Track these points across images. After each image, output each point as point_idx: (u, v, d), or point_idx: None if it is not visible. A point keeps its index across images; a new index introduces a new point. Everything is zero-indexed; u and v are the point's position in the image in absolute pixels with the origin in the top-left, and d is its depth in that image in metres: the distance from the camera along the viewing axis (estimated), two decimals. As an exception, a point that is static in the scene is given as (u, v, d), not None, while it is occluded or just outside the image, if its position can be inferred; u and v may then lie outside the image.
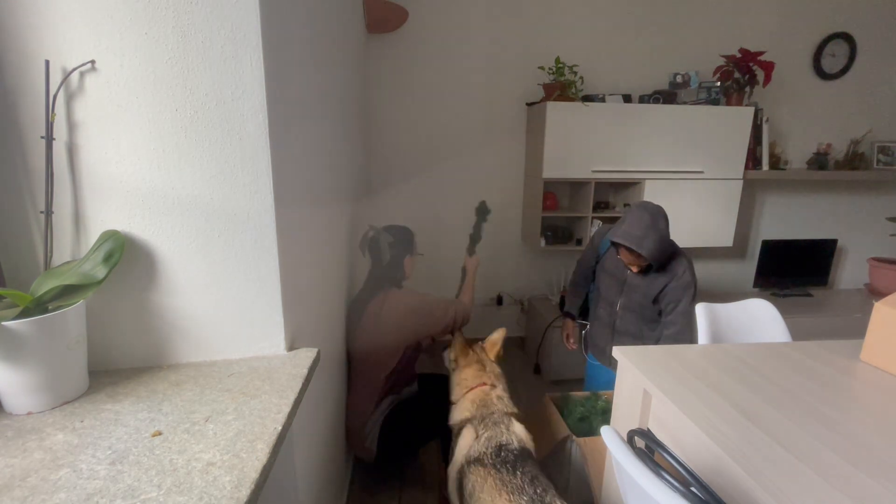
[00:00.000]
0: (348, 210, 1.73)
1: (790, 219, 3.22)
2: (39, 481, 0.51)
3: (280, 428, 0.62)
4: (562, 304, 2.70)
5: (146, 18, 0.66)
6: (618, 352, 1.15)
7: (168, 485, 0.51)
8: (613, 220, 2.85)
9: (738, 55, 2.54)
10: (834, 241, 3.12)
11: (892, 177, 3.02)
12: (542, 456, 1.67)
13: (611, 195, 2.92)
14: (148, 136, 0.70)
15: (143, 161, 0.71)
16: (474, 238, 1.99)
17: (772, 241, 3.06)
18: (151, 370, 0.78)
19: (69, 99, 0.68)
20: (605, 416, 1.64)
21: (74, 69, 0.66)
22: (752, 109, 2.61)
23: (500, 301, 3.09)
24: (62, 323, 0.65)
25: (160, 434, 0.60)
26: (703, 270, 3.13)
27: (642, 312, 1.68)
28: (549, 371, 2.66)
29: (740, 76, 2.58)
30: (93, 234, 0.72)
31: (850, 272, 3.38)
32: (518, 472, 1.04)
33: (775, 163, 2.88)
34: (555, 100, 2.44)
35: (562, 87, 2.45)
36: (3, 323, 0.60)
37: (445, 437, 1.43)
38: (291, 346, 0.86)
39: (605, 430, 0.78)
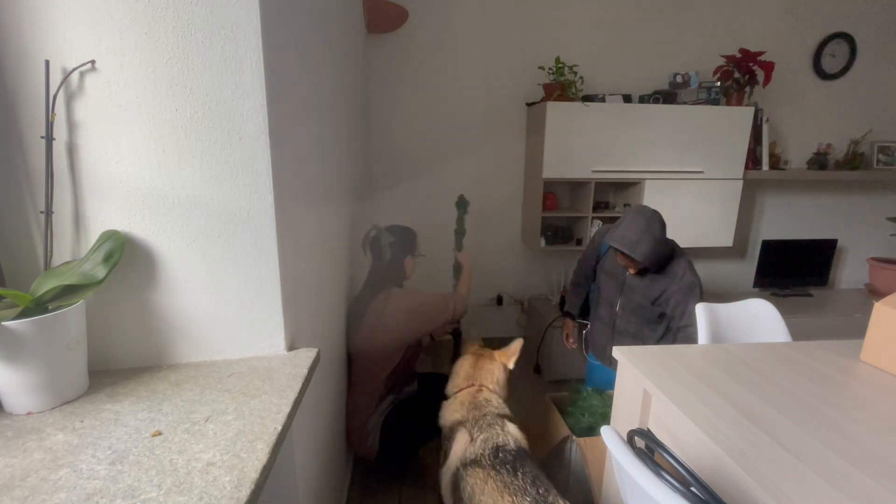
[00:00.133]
0: (348, 210, 1.73)
1: (790, 219, 3.22)
2: (39, 481, 0.51)
3: (280, 428, 0.62)
4: (562, 304, 2.69)
5: (146, 18, 0.66)
6: (618, 352, 1.15)
7: (168, 485, 0.51)
8: (613, 220, 2.85)
9: (738, 55, 2.54)
10: (834, 241, 3.12)
11: (892, 177, 3.02)
12: (542, 456, 1.67)
13: (611, 195, 2.92)
14: (148, 136, 0.70)
15: (143, 161, 0.71)
16: (459, 233, 2.00)
17: (772, 241, 3.06)
18: (151, 370, 0.78)
19: (69, 99, 0.68)
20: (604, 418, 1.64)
21: (74, 69, 0.66)
22: (752, 109, 2.61)
23: (500, 301, 3.08)
24: (62, 323, 0.65)
25: (160, 434, 0.60)
26: (703, 270, 3.12)
27: (641, 313, 1.68)
28: (549, 371, 2.66)
29: (740, 76, 2.58)
30: (93, 234, 0.72)
31: (850, 272, 3.37)
32: (519, 473, 1.03)
33: (775, 163, 2.88)
34: (555, 100, 2.44)
35: (562, 87, 2.45)
36: (3, 323, 0.60)
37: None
38: (291, 346, 0.86)
39: (605, 430, 0.78)
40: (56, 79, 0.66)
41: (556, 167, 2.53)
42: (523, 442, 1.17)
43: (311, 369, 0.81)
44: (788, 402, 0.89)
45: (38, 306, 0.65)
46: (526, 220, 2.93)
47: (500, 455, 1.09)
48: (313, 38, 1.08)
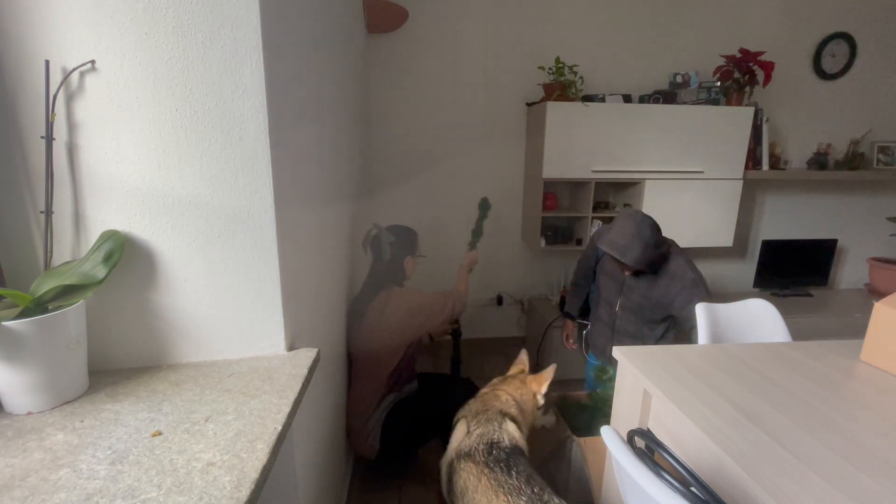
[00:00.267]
0: (349, 210, 1.73)
1: (790, 219, 3.22)
2: (39, 481, 0.51)
3: (280, 428, 0.62)
4: (562, 304, 2.70)
5: (146, 18, 0.66)
6: (618, 352, 1.15)
7: (168, 485, 0.51)
8: (613, 220, 2.86)
9: (738, 55, 2.54)
10: (834, 241, 3.12)
11: (892, 177, 3.02)
12: (543, 456, 1.67)
13: (611, 195, 2.92)
14: (148, 136, 0.70)
15: (143, 161, 0.71)
16: (475, 233, 2.01)
17: (772, 241, 3.06)
18: (151, 370, 0.78)
19: (69, 99, 0.68)
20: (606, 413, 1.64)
21: (74, 69, 0.66)
22: (752, 109, 2.61)
23: (500, 301, 3.08)
24: (62, 323, 0.65)
25: (160, 434, 0.60)
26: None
27: (641, 313, 1.68)
28: (550, 371, 2.66)
29: (740, 76, 2.58)
30: (93, 234, 0.72)
31: (850, 272, 3.37)
32: (513, 472, 1.03)
33: (775, 163, 2.88)
34: (555, 100, 2.44)
35: (562, 87, 2.45)
36: (3, 323, 0.60)
37: (447, 435, 1.43)
38: (291, 346, 0.86)
39: (605, 430, 0.78)
40: (56, 79, 0.66)
41: (556, 167, 2.53)
42: (520, 440, 1.17)
43: (311, 369, 0.81)
44: (788, 402, 0.89)
45: (38, 306, 0.65)
46: (526, 220, 2.93)
47: (494, 452, 1.09)
48: (313, 37, 1.08)
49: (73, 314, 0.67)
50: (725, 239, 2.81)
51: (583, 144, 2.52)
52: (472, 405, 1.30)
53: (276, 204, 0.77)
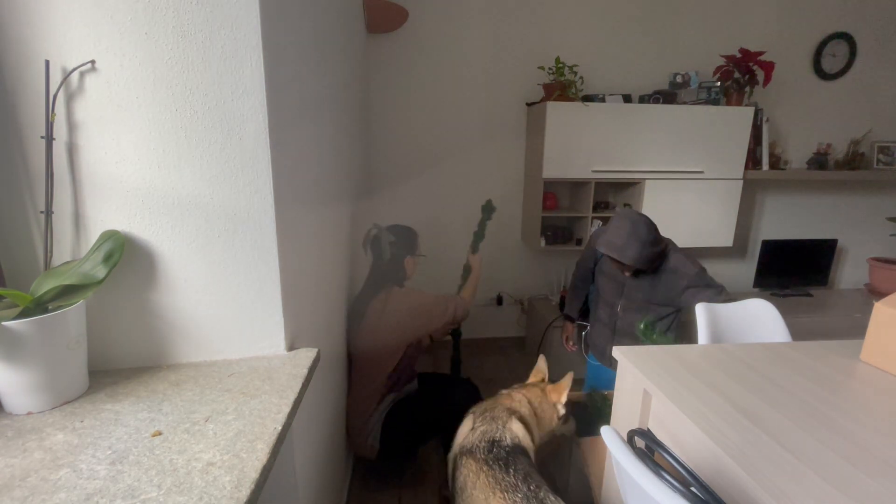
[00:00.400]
0: (349, 210, 1.73)
1: (790, 219, 3.22)
2: (39, 481, 0.51)
3: (280, 428, 0.62)
4: (562, 304, 2.70)
5: (146, 18, 0.66)
6: (618, 352, 1.15)
7: (168, 485, 0.51)
8: (609, 220, 2.86)
9: (738, 55, 2.54)
10: (834, 241, 3.12)
11: (892, 177, 3.02)
12: (543, 456, 1.67)
13: (611, 195, 2.92)
14: (148, 136, 0.70)
15: (143, 161, 0.71)
16: (478, 235, 2.00)
17: (772, 241, 3.06)
18: (151, 370, 0.78)
19: (69, 99, 0.68)
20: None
21: (74, 69, 0.66)
22: (752, 109, 2.61)
23: (500, 301, 3.08)
24: (62, 323, 0.65)
25: (160, 434, 0.60)
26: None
27: (644, 312, 1.68)
28: (550, 371, 2.65)
29: (740, 76, 2.58)
30: (93, 234, 0.72)
31: (850, 272, 3.37)
32: (511, 470, 1.04)
33: (775, 163, 2.88)
34: (555, 100, 2.44)
35: (562, 87, 2.45)
36: (3, 323, 0.60)
37: (447, 435, 1.43)
38: (291, 346, 0.86)
39: (605, 430, 0.78)
40: (56, 79, 0.66)
41: (556, 167, 2.53)
42: (523, 439, 1.17)
43: (311, 369, 0.81)
44: (788, 402, 0.89)
45: (38, 306, 0.65)
46: (526, 220, 2.93)
47: (495, 450, 1.10)
48: (313, 37, 1.08)
49: (73, 314, 0.67)
50: (725, 239, 2.81)
51: (583, 144, 2.52)
52: (484, 403, 1.31)
53: (276, 204, 0.77)
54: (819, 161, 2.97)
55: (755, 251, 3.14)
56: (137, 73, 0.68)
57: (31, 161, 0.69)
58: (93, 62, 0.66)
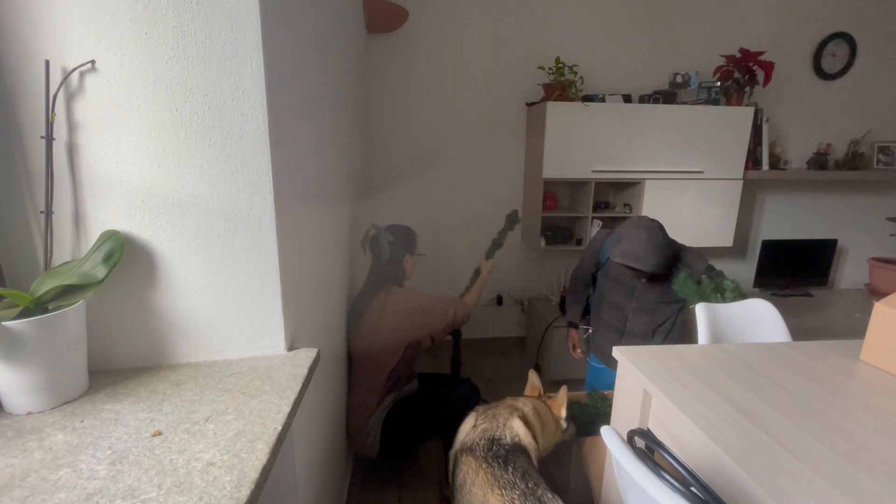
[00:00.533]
0: (349, 210, 1.73)
1: (790, 219, 3.22)
2: (39, 481, 0.51)
3: (280, 428, 0.62)
4: (562, 304, 2.69)
5: (146, 18, 0.66)
6: (618, 352, 1.15)
7: (168, 485, 0.51)
8: (613, 220, 2.85)
9: (738, 55, 2.54)
10: (834, 241, 3.12)
11: (892, 177, 3.01)
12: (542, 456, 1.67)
13: (611, 195, 2.92)
14: (148, 136, 0.70)
15: (143, 161, 0.71)
16: (497, 243, 2.01)
17: (772, 241, 3.06)
18: (151, 370, 0.78)
19: (69, 99, 0.68)
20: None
21: (74, 69, 0.66)
22: (752, 109, 2.61)
23: (500, 301, 3.09)
24: (62, 323, 0.65)
25: (160, 434, 0.60)
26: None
27: (656, 311, 1.68)
28: (549, 371, 2.66)
29: (740, 76, 2.58)
30: (93, 234, 0.72)
31: (850, 272, 3.37)
32: (510, 468, 1.05)
33: (775, 163, 2.88)
34: (555, 100, 2.44)
35: (562, 87, 2.45)
36: (3, 323, 0.60)
37: (447, 435, 1.43)
38: (291, 346, 0.86)
39: (605, 430, 0.78)
40: (56, 79, 0.66)
41: (556, 167, 2.53)
42: (524, 438, 1.18)
43: (311, 369, 0.81)
44: (788, 402, 0.89)
45: (38, 306, 0.65)
46: (526, 220, 2.93)
47: (494, 448, 1.11)
48: (313, 37, 1.08)
49: (73, 314, 0.67)
50: (725, 239, 2.81)
51: (583, 144, 2.52)
52: (489, 403, 1.32)
53: (276, 204, 0.77)
54: (819, 161, 2.97)
55: (755, 251, 3.14)
56: (137, 73, 0.68)
57: (31, 161, 0.69)
58: (93, 62, 0.66)
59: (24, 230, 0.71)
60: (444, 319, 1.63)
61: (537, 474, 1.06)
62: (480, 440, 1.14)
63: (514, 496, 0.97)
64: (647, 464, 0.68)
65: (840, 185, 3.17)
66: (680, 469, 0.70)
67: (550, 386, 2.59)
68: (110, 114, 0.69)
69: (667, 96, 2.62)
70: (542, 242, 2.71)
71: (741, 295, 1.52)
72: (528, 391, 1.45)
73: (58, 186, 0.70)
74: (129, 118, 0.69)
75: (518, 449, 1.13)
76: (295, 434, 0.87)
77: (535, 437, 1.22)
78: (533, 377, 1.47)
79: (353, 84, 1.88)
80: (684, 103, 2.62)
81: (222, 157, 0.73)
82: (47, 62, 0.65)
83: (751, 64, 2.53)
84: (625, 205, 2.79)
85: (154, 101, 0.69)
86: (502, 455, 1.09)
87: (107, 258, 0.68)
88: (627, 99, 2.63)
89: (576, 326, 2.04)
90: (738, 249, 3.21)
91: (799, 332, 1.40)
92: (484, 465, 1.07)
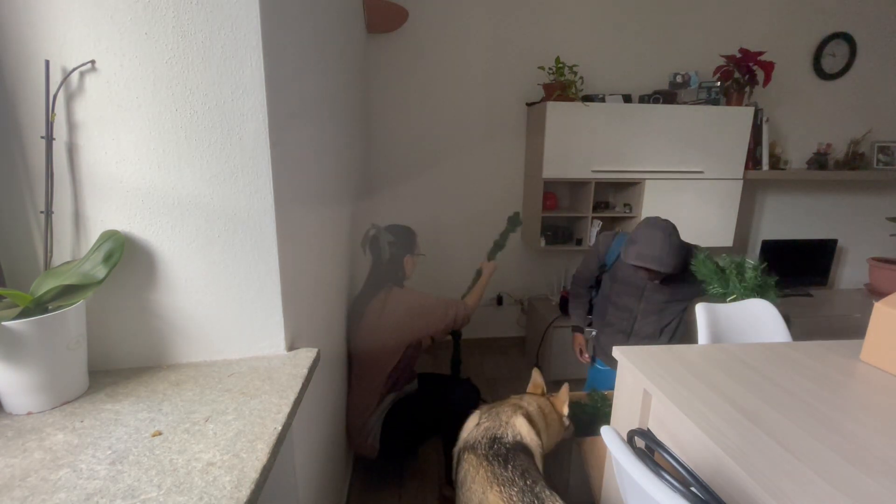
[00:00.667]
0: (349, 210, 1.73)
1: (790, 219, 3.22)
2: (39, 481, 0.51)
3: (280, 428, 0.62)
4: (562, 304, 2.69)
5: (146, 18, 0.66)
6: (618, 352, 1.15)
7: (168, 485, 0.51)
8: (613, 220, 2.85)
9: (738, 55, 2.54)
10: (834, 241, 3.12)
11: (892, 177, 3.02)
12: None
13: (611, 195, 2.92)
14: (148, 136, 0.70)
15: (143, 161, 0.71)
16: (499, 244, 2.01)
17: (772, 240, 3.06)
18: (151, 370, 0.78)
19: (69, 99, 0.68)
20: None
21: (74, 69, 0.66)
22: (752, 109, 2.61)
23: (500, 301, 3.09)
24: (62, 323, 0.65)
25: (160, 434, 0.60)
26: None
27: (665, 310, 1.68)
28: (549, 371, 2.66)
29: (740, 76, 2.58)
30: (93, 234, 0.72)
31: (850, 272, 3.37)
32: (510, 466, 1.06)
33: (775, 163, 2.88)
34: (555, 100, 2.44)
35: (562, 87, 2.45)
36: (3, 323, 0.60)
37: (447, 434, 1.43)
38: (291, 346, 0.86)
39: (605, 430, 0.78)
40: (56, 79, 0.66)
41: (556, 167, 2.53)
42: (526, 436, 1.18)
43: (311, 369, 0.81)
44: (788, 402, 0.89)
45: (38, 306, 0.65)
46: (526, 220, 2.93)
47: (495, 446, 1.12)
48: (313, 38, 1.08)
49: (73, 314, 0.67)
50: (725, 239, 2.81)
51: (583, 144, 2.52)
52: (494, 402, 1.33)
53: (276, 204, 0.77)
54: (819, 161, 2.97)
55: (755, 251, 3.14)
56: (137, 73, 0.68)
57: (31, 161, 0.69)
58: (93, 62, 0.66)
59: (24, 230, 0.71)
60: (445, 320, 1.63)
61: (537, 472, 1.07)
62: (482, 438, 1.15)
63: (513, 493, 0.99)
64: (647, 464, 0.68)
65: (840, 185, 3.17)
66: (680, 469, 0.70)
67: (550, 386, 2.60)
68: (110, 114, 0.69)
69: (667, 96, 2.62)
70: (542, 242, 2.71)
71: (760, 278, 1.47)
72: (531, 389, 1.45)
73: (58, 186, 0.70)
74: (129, 118, 0.69)
75: (519, 447, 1.13)
76: (295, 434, 0.87)
77: (538, 434, 1.22)
78: (536, 375, 1.47)
79: (353, 84, 1.88)
80: (684, 103, 2.62)
81: (222, 157, 0.73)
82: (47, 62, 0.65)
83: (751, 64, 2.53)
84: (625, 205, 2.79)
85: (154, 101, 0.69)
86: (503, 453, 1.10)
87: (107, 258, 0.68)
88: (627, 99, 2.63)
89: (581, 330, 2.03)
90: (737, 249, 3.21)
91: (799, 332, 1.40)
92: (484, 463, 1.08)
